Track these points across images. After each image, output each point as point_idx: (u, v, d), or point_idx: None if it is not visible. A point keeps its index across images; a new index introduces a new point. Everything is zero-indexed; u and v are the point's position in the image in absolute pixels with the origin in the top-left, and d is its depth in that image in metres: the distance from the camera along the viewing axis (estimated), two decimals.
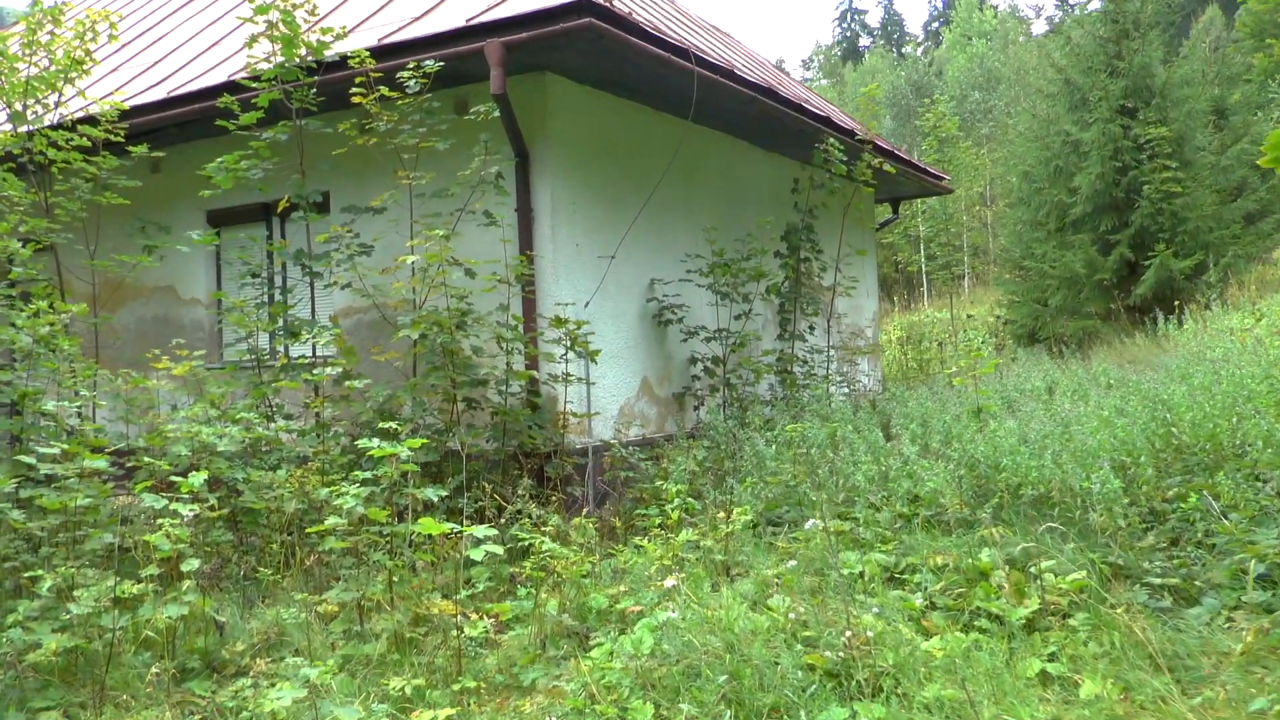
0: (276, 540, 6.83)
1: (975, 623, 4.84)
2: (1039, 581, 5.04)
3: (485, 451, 8.24)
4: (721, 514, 6.52)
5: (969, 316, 24.20)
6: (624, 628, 5.11)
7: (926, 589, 5.24)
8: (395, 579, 5.18)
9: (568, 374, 8.51)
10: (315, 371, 7.07)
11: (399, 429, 8.14)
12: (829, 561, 5.52)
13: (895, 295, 36.32)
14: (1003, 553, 5.45)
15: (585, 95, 9.61)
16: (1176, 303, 17.36)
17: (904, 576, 5.54)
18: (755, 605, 5.11)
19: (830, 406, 9.17)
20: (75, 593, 4.98)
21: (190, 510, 5.21)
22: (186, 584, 5.10)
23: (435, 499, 5.14)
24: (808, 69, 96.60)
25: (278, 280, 10.14)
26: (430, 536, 5.44)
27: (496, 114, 8.25)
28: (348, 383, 7.01)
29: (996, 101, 43.93)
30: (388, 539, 5.37)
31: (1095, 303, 19.29)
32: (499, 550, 4.77)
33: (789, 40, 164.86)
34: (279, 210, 8.93)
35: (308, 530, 6.02)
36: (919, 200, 25.72)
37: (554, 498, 7.89)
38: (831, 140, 11.80)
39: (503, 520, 7.25)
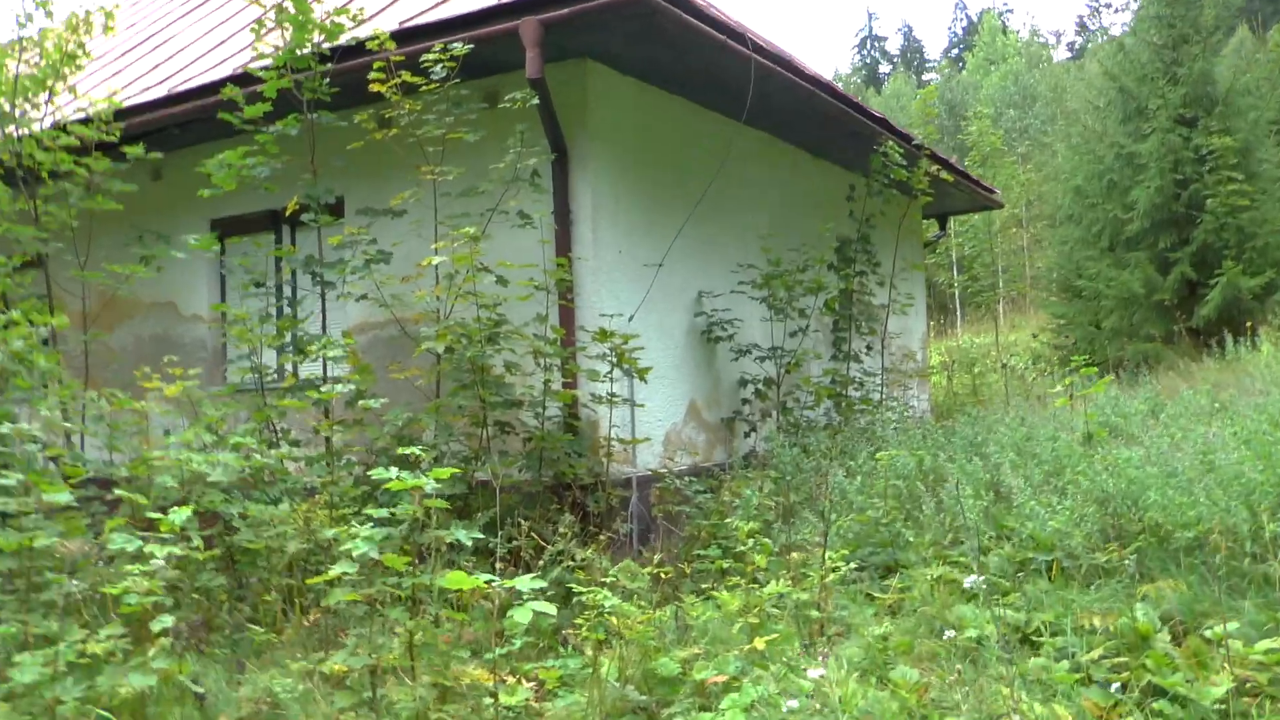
0: (276, 586, 5.84)
1: (1153, 705, 3.81)
2: (1223, 649, 4.00)
3: (518, 483, 7.25)
4: (800, 556, 5.50)
5: (1021, 342, 23.10)
6: (704, 703, 4.10)
7: (1073, 655, 4.21)
8: (416, 641, 4.16)
9: (613, 394, 7.52)
10: (323, 389, 6.10)
11: (421, 456, 7.18)
12: (945, 618, 4.49)
13: (929, 320, 35.17)
14: (1158, 610, 4.42)
15: (630, 88, 8.66)
16: (1248, 324, 16.27)
17: (1038, 639, 4.51)
18: (867, 675, 4.09)
19: (908, 433, 8.13)
20: (16, 658, 3.99)
21: (167, 553, 4.24)
22: (157, 646, 4.10)
23: (466, 541, 4.13)
24: None
25: (286, 291, 9.18)
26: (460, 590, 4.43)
27: (534, 102, 7.30)
28: (360, 403, 6.02)
29: (1032, 120, 42.96)
30: (408, 591, 4.36)
31: (1154, 324, 18.18)
32: (550, 610, 3.77)
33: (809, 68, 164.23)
34: (287, 212, 7.98)
35: (307, 581, 5.03)
36: (958, 218, 24.71)
37: (599, 536, 6.88)
38: (891, 143, 10.83)
39: (542, 563, 6.25)
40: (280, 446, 7.66)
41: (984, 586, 4.67)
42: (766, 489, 6.87)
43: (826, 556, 4.92)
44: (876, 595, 5.09)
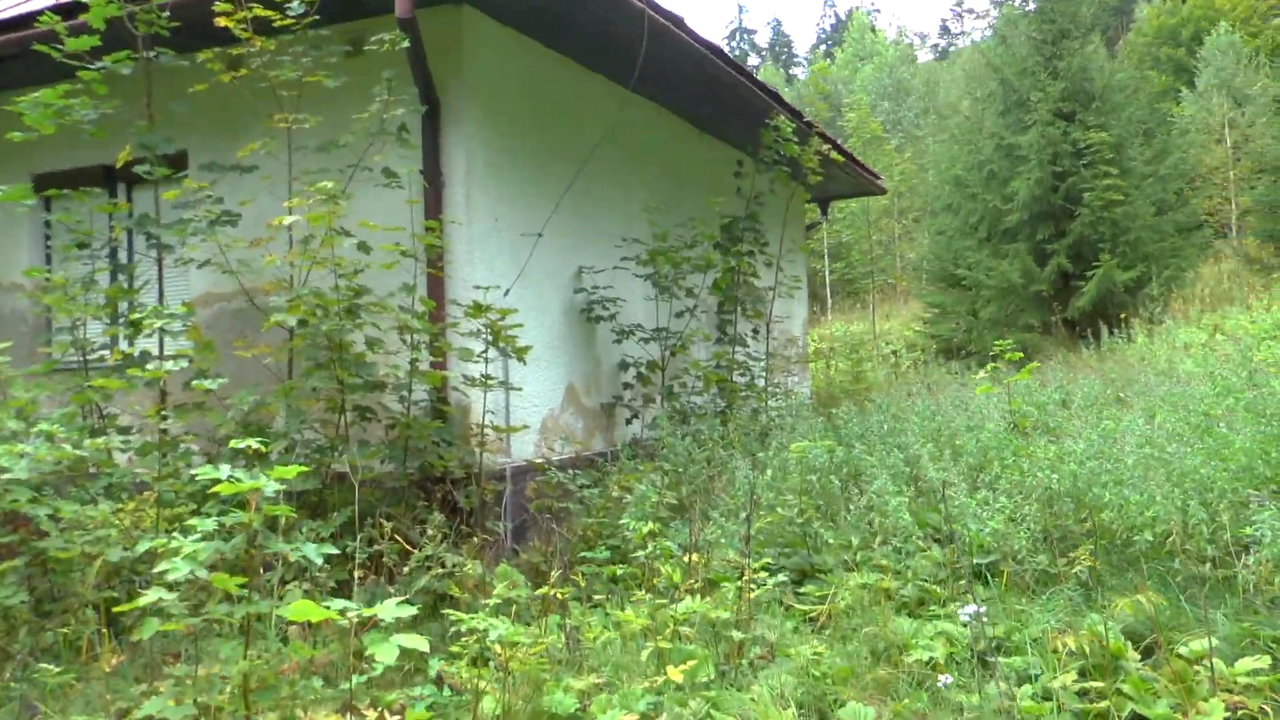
0: (92, 602, 4.95)
1: None
2: (1205, 669, 3.48)
3: (380, 476, 6.44)
4: (701, 559, 4.85)
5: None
6: None
7: (1036, 678, 3.65)
8: (251, 683, 3.35)
9: (487, 376, 6.75)
10: (150, 367, 5.20)
11: (268, 446, 6.31)
12: (885, 635, 3.89)
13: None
14: (1120, 623, 3.90)
15: (511, 40, 7.88)
16: (1123, 315, 16.31)
17: (991, 658, 3.94)
18: (807, 712, 3.45)
19: (808, 422, 7.56)
20: None
21: None
22: None
23: (316, 558, 3.34)
24: None
25: (122, 258, 8.15)
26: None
27: (404, 45, 6.48)
28: (194, 383, 5.14)
29: (906, 113, 43.25)
30: (243, 620, 3.55)
31: (1032, 315, 18.16)
32: (421, 644, 3.04)
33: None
34: (119, 164, 6.97)
35: (115, 609, 4.18)
36: (835, 205, 24.49)
37: (472, 536, 6.14)
38: (782, 117, 10.28)
39: (408, 570, 5.48)
40: (107, 435, 6.73)
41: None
42: (660, 483, 6.20)
43: (748, 565, 4.26)
44: (795, 606, 4.47)
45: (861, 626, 4.08)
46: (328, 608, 3.10)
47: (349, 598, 5.48)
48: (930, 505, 5.44)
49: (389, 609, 3.15)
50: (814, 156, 10.84)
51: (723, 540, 5.13)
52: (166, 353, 7.85)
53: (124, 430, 6.76)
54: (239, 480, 3.30)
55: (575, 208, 8.62)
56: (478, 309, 6.53)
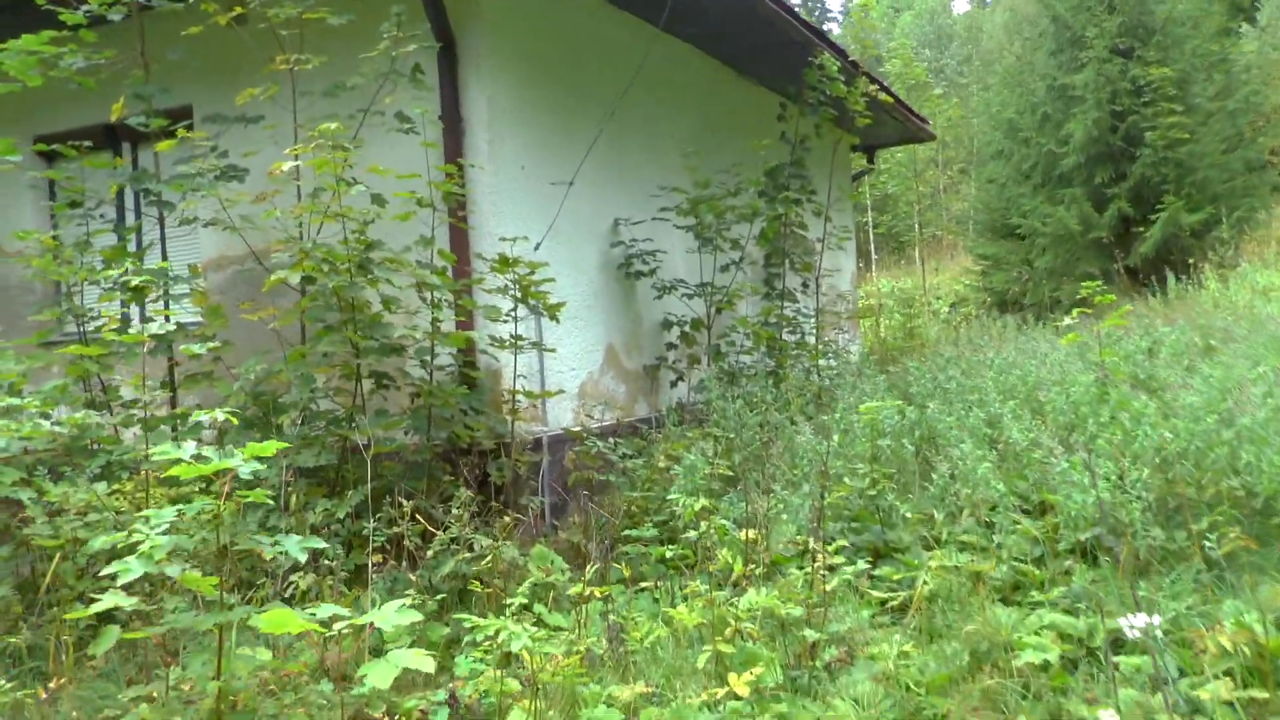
0: (79, 595, 4.42)
1: None
2: None
3: (404, 448, 5.88)
4: (755, 535, 4.25)
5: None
6: None
7: (1173, 681, 3.02)
8: (226, 702, 2.78)
9: (517, 337, 6.16)
10: (137, 329, 4.64)
11: (284, 420, 5.76)
12: (985, 632, 3.27)
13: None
14: (1272, 612, 3.24)
15: None
16: (1190, 260, 15.44)
17: (1112, 654, 3.31)
18: None
19: (872, 380, 6.92)
20: None
21: None
22: None
23: (298, 554, 2.76)
24: None
25: (125, 222, 7.59)
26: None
27: None
28: (182, 347, 4.57)
29: (948, 60, 42.02)
30: (221, 624, 2.97)
31: (1091, 263, 17.28)
32: (426, 664, 2.46)
33: None
34: (114, 117, 6.40)
35: (66, 616, 3.65)
36: (882, 154, 23.60)
37: (504, 514, 5.58)
38: (827, 55, 9.56)
39: (431, 554, 4.92)
40: (109, 409, 6.23)
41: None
42: (711, 451, 5.59)
43: (821, 550, 3.64)
44: (870, 592, 3.85)
45: (954, 619, 3.47)
46: (312, 615, 2.52)
47: (365, 586, 4.94)
48: (1016, 472, 4.80)
49: (389, 614, 2.56)
50: (861, 98, 10.11)
51: (784, 517, 4.52)
52: (172, 319, 7.37)
53: (129, 404, 6.26)
54: (199, 460, 2.72)
55: (608, 155, 7.99)
56: (504, 263, 5.93)
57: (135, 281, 6.21)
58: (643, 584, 4.93)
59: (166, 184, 6.22)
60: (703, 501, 4.31)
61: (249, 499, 2.76)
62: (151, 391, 5.30)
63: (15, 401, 4.38)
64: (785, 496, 4.74)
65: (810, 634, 3.23)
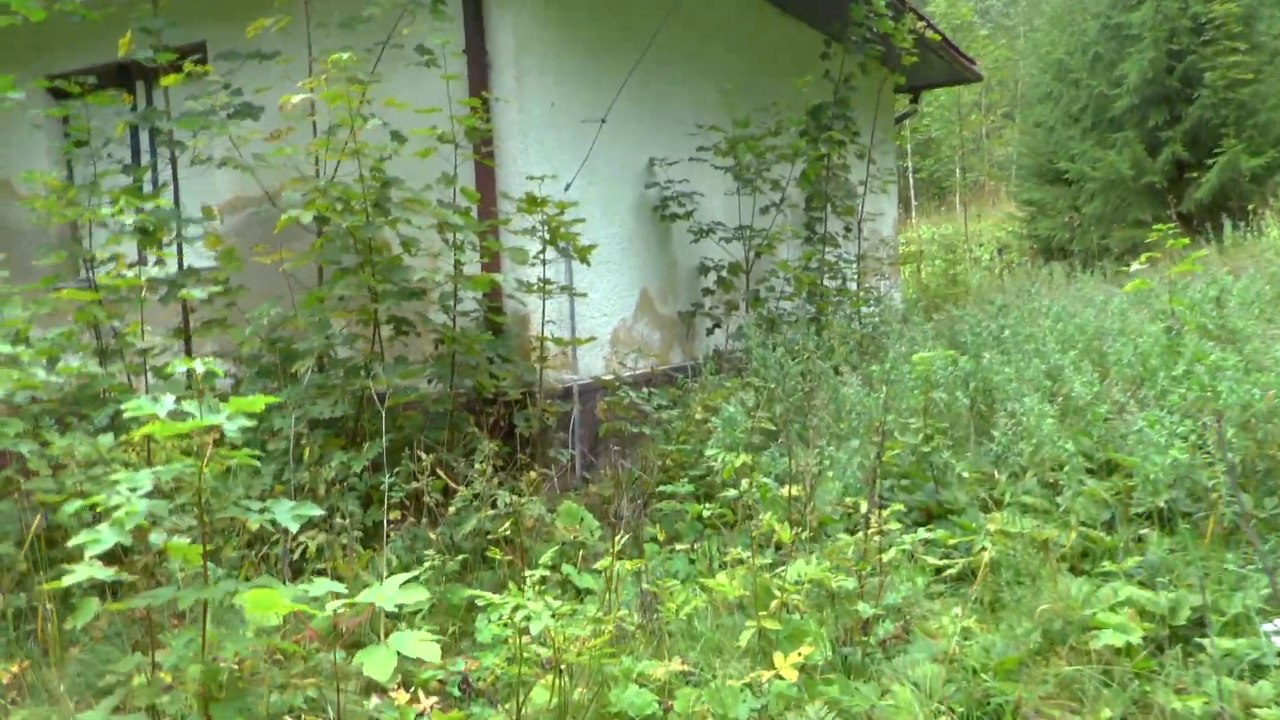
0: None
1: None
2: None
3: (425, 398, 5.58)
4: (798, 491, 3.92)
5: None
6: None
7: (1267, 669, 2.68)
8: (214, 685, 2.48)
9: (546, 281, 5.83)
10: (130, 275, 4.34)
11: (299, 368, 5.48)
12: (1059, 608, 2.94)
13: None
14: None
15: None
16: (1250, 206, 14.84)
17: (1198, 636, 2.96)
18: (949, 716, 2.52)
19: (919, 328, 6.54)
20: None
21: None
22: None
23: (290, 523, 2.44)
24: None
25: (127, 162, 7.28)
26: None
27: None
28: (182, 291, 4.28)
29: (994, 2, 40.87)
30: (206, 599, 2.67)
31: (1143, 209, 16.67)
32: (431, 653, 2.16)
33: None
34: (121, 53, 6.07)
35: (43, 587, 3.38)
36: (926, 96, 22.94)
37: (530, 468, 5.28)
38: None
39: (453, 511, 4.63)
40: (120, 357, 5.96)
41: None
42: (749, 403, 5.26)
43: (875, 514, 3.30)
44: (925, 558, 3.51)
45: (1020, 592, 3.13)
46: (305, 593, 2.22)
47: (384, 543, 4.66)
48: (1079, 428, 4.43)
49: (389, 591, 2.26)
50: (908, 35, 9.63)
51: (830, 474, 4.18)
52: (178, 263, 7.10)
53: (143, 352, 5.99)
54: (184, 415, 2.41)
55: (644, 92, 7.59)
56: (532, 202, 5.59)
57: (145, 224, 5.96)
58: (677, 544, 4.63)
59: (176, 122, 5.91)
60: (743, 457, 3.98)
61: (234, 459, 2.45)
62: (153, 337, 5.00)
63: (7, 349, 4.09)
64: (831, 452, 4.40)
65: (864, 608, 2.90)
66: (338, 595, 2.32)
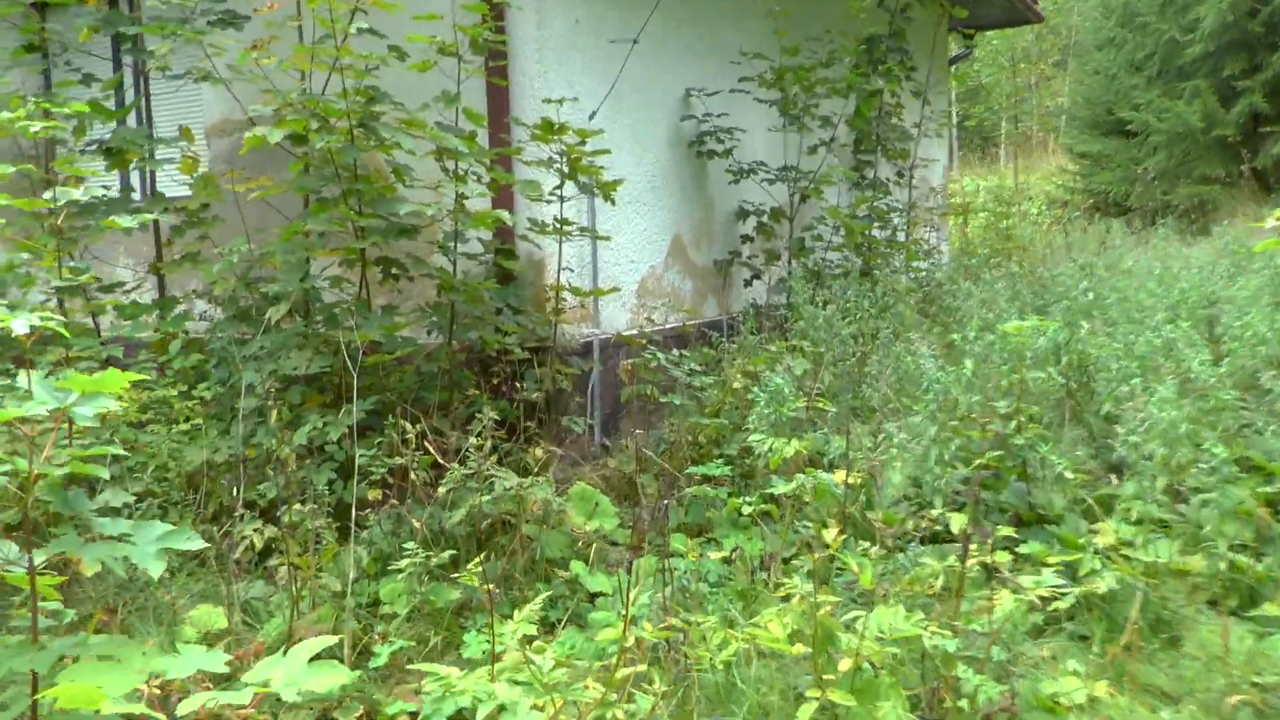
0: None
1: None
2: None
3: (418, 352, 4.82)
4: (856, 478, 3.16)
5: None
6: None
7: None
8: None
9: (563, 221, 5.04)
10: (49, 195, 3.57)
11: (274, 313, 4.73)
12: (1201, 660, 2.17)
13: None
14: None
15: None
16: None
17: None
18: None
19: (993, 288, 5.73)
20: None
21: None
22: None
23: (150, 563, 1.69)
24: None
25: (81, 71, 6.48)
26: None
27: None
28: (128, 220, 3.52)
29: None
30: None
31: (1212, 164, 15.64)
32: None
33: None
34: None
35: None
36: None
37: (540, 437, 4.54)
38: None
39: (443, 490, 3.89)
40: (85, 293, 5.24)
41: None
42: (796, 370, 4.47)
43: (972, 538, 2.52)
44: (1019, 585, 2.74)
45: (1156, 642, 2.36)
46: (160, 674, 1.48)
47: (361, 529, 3.95)
48: (1201, 418, 3.62)
49: (294, 670, 1.51)
50: None
51: (896, 465, 3.41)
52: (161, 190, 6.38)
53: (109, 288, 5.27)
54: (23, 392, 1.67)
55: (681, 13, 6.75)
56: (548, 128, 4.78)
57: (113, 145, 5.22)
58: (709, 537, 3.90)
59: (144, 27, 5.13)
60: (794, 445, 3.21)
61: (78, 460, 1.71)
62: (124, 273, 4.26)
63: None
64: (893, 432, 3.61)
65: (968, 677, 2.14)
66: (215, 676, 1.59)
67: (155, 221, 5.75)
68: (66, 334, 1.77)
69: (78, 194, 3.54)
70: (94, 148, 5.27)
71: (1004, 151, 26.22)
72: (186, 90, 6.28)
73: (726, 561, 3.57)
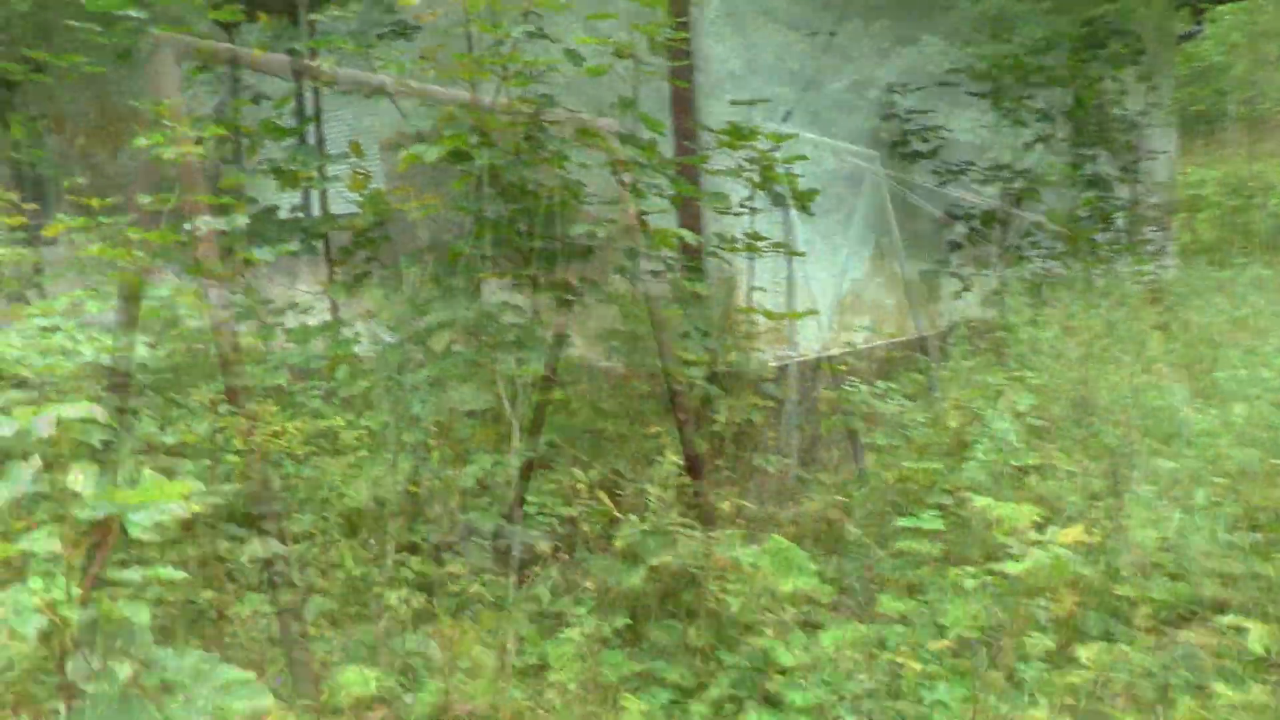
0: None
1: None
2: None
3: (598, 381, 4.42)
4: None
5: None
6: None
7: None
8: None
9: (755, 236, 4.55)
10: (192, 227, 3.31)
11: (437, 343, 4.40)
12: None
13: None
14: None
15: None
16: None
17: None
18: None
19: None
20: None
21: None
22: None
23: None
24: None
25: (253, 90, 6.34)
26: None
27: None
28: (250, 255, 3.21)
29: None
30: None
31: None
32: None
33: None
34: None
35: None
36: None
37: (730, 479, 4.08)
38: None
39: (619, 542, 3.47)
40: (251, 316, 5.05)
41: None
42: (1023, 404, 3.86)
43: None
44: None
45: None
46: None
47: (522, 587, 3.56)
48: None
49: None
50: None
51: (1154, 531, 2.78)
52: (331, 210, 6.21)
53: (278, 311, 5.06)
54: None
55: (872, 2, 6.18)
56: (737, 133, 4.30)
57: (283, 164, 5.02)
58: (922, 600, 3.36)
59: (315, 42, 4.91)
60: (1026, 510, 2.65)
61: (104, 608, 1.32)
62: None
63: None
64: (1151, 498, 2.98)
65: None
66: None
67: (325, 239, 5.54)
68: (99, 425, 1.40)
69: (243, 221, 3.26)
70: (264, 166, 5.10)
71: (1232, 136, 24.15)
72: (358, 104, 6.09)
73: (940, 632, 3.04)
